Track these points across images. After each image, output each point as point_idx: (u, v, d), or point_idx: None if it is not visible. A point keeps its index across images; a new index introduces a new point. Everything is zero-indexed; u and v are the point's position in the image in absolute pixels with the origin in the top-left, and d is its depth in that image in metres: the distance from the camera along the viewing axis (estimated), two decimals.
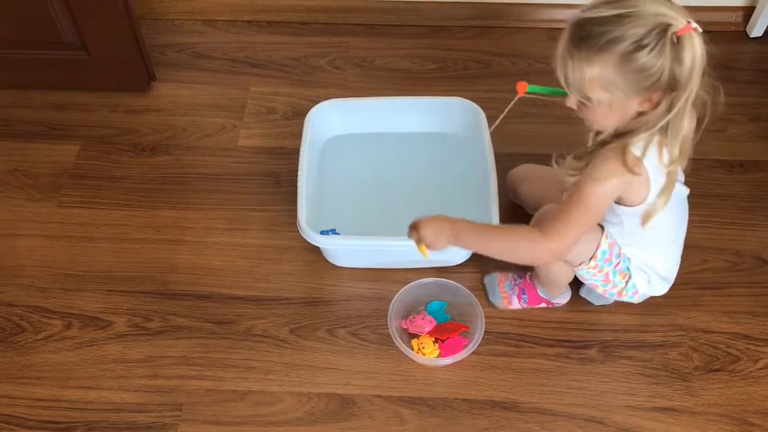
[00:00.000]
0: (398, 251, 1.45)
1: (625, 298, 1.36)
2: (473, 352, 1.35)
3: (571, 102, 1.11)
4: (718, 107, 1.08)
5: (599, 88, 1.04)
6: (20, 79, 1.83)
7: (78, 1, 1.64)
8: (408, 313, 1.42)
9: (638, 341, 1.41)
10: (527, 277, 1.44)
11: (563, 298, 1.44)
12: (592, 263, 1.26)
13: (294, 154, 1.56)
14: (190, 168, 1.70)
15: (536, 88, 1.24)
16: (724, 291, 1.48)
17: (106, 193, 1.65)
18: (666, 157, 1.10)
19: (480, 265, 1.50)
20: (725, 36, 1.96)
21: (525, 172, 1.54)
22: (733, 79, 1.87)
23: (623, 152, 1.09)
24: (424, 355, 1.36)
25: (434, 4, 1.97)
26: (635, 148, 1.09)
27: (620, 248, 1.27)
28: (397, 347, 1.36)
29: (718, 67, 1.91)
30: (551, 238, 1.14)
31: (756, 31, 1.94)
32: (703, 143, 1.72)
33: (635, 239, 1.25)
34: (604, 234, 1.24)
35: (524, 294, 1.44)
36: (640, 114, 1.08)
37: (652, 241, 1.27)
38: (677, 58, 0.99)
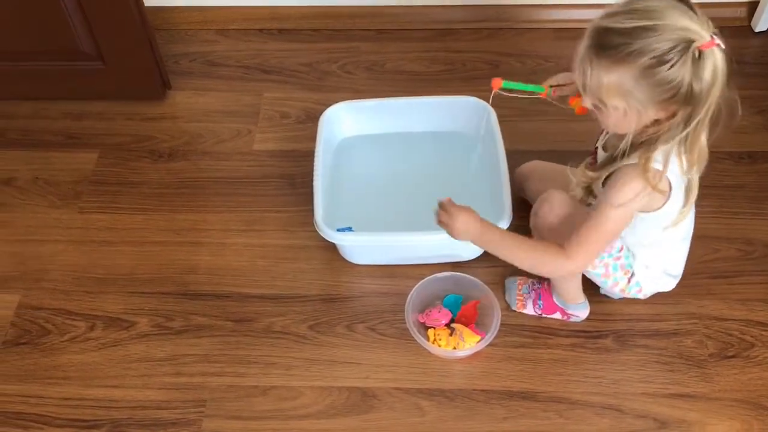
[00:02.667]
0: (413, 247, 1.48)
1: (629, 296, 1.37)
2: (490, 344, 1.37)
3: (587, 102, 1.10)
4: (735, 119, 1.08)
5: (616, 96, 1.04)
6: (39, 89, 1.87)
7: (95, 12, 1.68)
8: (425, 307, 1.44)
9: (653, 330, 1.43)
10: (546, 284, 1.45)
11: (580, 310, 1.43)
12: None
13: (308, 156, 1.59)
14: (207, 172, 1.73)
15: (512, 84, 1.26)
16: (736, 279, 1.50)
17: (125, 198, 1.69)
18: (686, 165, 1.11)
19: (496, 260, 1.50)
20: (730, 31, 1.95)
21: (532, 169, 1.57)
22: (739, 72, 1.89)
23: (644, 169, 1.09)
24: (440, 346, 1.38)
25: (442, 7, 2.01)
26: (656, 162, 1.09)
27: (623, 243, 1.28)
28: (415, 341, 1.38)
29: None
30: (573, 259, 1.18)
31: (761, 26, 1.96)
32: (712, 135, 1.76)
33: (648, 240, 1.27)
34: None
35: (540, 300, 1.45)
36: (656, 122, 1.07)
37: (665, 241, 1.28)
38: (697, 74, 0.99)
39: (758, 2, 1.95)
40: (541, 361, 1.40)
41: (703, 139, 1.09)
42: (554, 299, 1.43)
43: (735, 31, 1.98)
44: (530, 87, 1.26)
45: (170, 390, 1.38)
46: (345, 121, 1.71)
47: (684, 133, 1.05)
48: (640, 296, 1.39)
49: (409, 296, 1.41)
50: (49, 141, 1.81)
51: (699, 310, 1.45)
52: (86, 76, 1.82)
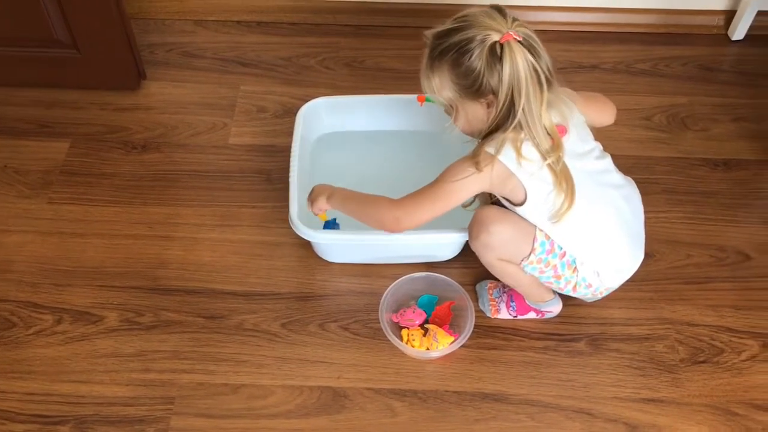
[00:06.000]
0: (388, 246, 1.47)
1: (581, 293, 1.36)
2: (463, 345, 1.37)
3: (443, 108, 1.27)
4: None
5: (445, 92, 1.21)
6: (10, 76, 1.82)
7: None
8: (399, 307, 1.44)
9: (625, 334, 1.44)
10: None
11: (553, 306, 1.44)
12: (533, 257, 1.28)
13: (284, 151, 1.58)
14: (181, 165, 1.70)
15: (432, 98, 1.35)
16: (708, 285, 1.51)
17: (96, 189, 1.65)
18: (533, 153, 1.18)
19: (471, 261, 1.52)
20: (708, 39, 2.00)
21: None
22: (715, 80, 1.91)
23: (477, 153, 1.21)
24: (413, 346, 1.37)
25: (423, 5, 2.00)
26: (489, 147, 1.20)
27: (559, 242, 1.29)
28: (389, 341, 1.37)
29: (701, 69, 1.97)
30: (400, 208, 1.27)
31: (737, 35, 1.98)
32: (688, 142, 1.79)
33: (560, 237, 1.27)
34: (537, 228, 1.27)
35: (512, 302, 1.45)
36: (489, 117, 1.21)
37: (587, 236, 1.29)
38: (494, 65, 1.13)
39: (735, 11, 1.97)
40: (513, 364, 1.40)
41: (547, 125, 1.18)
42: (526, 299, 1.43)
43: (712, 40, 2.00)
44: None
45: (138, 386, 1.36)
46: (323, 117, 1.69)
47: (515, 121, 1.16)
48: (592, 293, 1.37)
49: (384, 296, 1.41)
50: (20, 129, 1.77)
51: (671, 315, 1.46)
52: (59, 64, 1.78)
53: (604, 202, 1.30)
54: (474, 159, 1.21)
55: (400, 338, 1.39)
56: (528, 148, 1.18)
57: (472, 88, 1.17)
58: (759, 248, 1.57)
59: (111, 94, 1.84)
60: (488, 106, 1.20)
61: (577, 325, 1.45)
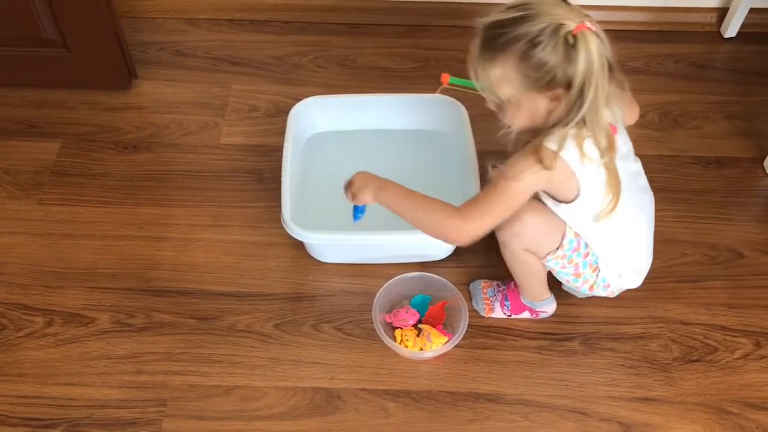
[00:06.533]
0: (381, 246, 1.47)
1: (597, 293, 1.37)
2: (457, 345, 1.37)
3: (490, 104, 1.17)
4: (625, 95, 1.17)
5: (506, 87, 1.11)
6: None
7: None
8: (392, 307, 1.43)
9: (619, 333, 1.44)
10: (512, 284, 1.45)
11: (547, 306, 1.43)
12: (560, 253, 1.27)
13: (277, 151, 1.57)
14: (172, 165, 1.69)
15: (458, 80, 1.30)
16: (701, 284, 1.51)
17: (87, 190, 1.64)
18: (593, 151, 1.13)
19: (465, 260, 1.52)
20: (700, 36, 2.00)
21: None
22: (708, 78, 1.91)
23: (536, 148, 1.13)
24: (407, 347, 1.37)
25: (415, 3, 1.99)
26: (550, 143, 1.12)
27: (586, 240, 1.28)
28: (382, 341, 1.37)
29: (693, 67, 1.97)
30: (464, 218, 1.18)
31: (729, 32, 1.98)
32: (680, 140, 1.79)
33: (593, 236, 1.27)
34: (567, 225, 1.25)
35: (507, 301, 1.44)
36: (551, 112, 1.13)
37: (617, 237, 1.28)
38: (569, 56, 1.05)
39: (728, 8, 1.97)
40: (507, 363, 1.39)
41: (605, 122, 1.12)
42: (522, 299, 1.43)
43: (705, 37, 2.00)
44: (473, 83, 1.27)
45: (130, 389, 1.35)
46: (315, 117, 1.68)
47: (579, 116, 1.08)
48: (608, 294, 1.39)
49: (377, 296, 1.40)
50: (10, 129, 1.75)
51: (664, 313, 1.46)
52: (49, 63, 1.77)
53: (638, 206, 1.30)
54: (536, 155, 1.12)
55: (394, 339, 1.38)
56: (589, 146, 1.13)
57: (542, 81, 1.08)
58: (752, 246, 1.57)
59: (102, 94, 1.82)
60: (553, 99, 1.11)
61: (571, 324, 1.45)
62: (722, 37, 2.00)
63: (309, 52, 1.95)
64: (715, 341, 1.43)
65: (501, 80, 1.10)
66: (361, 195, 1.27)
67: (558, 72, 1.06)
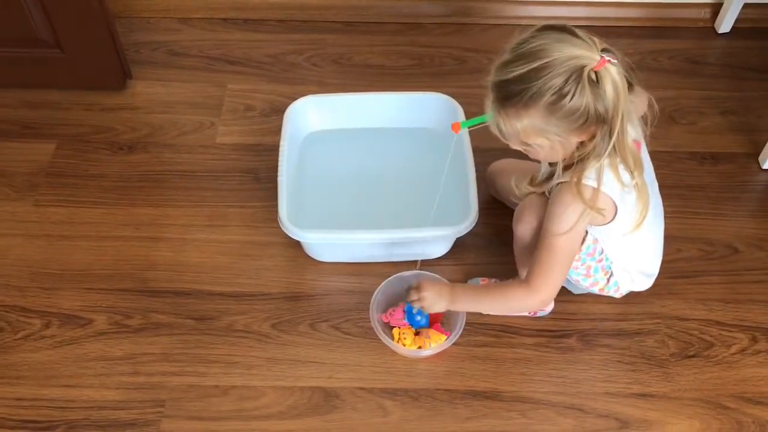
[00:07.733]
0: (378, 245, 1.47)
1: (605, 294, 1.39)
2: (454, 343, 1.37)
3: (514, 146, 1.15)
4: (653, 111, 1.18)
5: (534, 136, 1.08)
6: None
7: None
8: (389, 306, 1.43)
9: (616, 329, 1.44)
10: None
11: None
12: (575, 256, 1.27)
13: (273, 150, 1.57)
14: (168, 165, 1.69)
15: (469, 122, 1.28)
16: (697, 279, 1.52)
17: (83, 191, 1.64)
18: (626, 176, 1.12)
19: (462, 258, 1.52)
20: (694, 32, 2.00)
21: (503, 167, 1.56)
22: (702, 73, 1.91)
23: (578, 190, 1.11)
24: (404, 345, 1.37)
25: (410, 1, 1.99)
26: (588, 180, 1.11)
27: (602, 246, 1.29)
28: (379, 340, 1.37)
29: (688, 63, 1.97)
30: (538, 291, 1.22)
31: (723, 27, 1.98)
32: (675, 136, 1.79)
33: (616, 246, 1.27)
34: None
35: None
36: (582, 144, 1.11)
37: (634, 245, 1.29)
38: (598, 94, 1.03)
39: (722, 4, 1.97)
40: (504, 361, 1.40)
41: (630, 141, 1.11)
42: None
43: (699, 32, 2.00)
44: (482, 118, 1.25)
45: (128, 390, 1.35)
46: (311, 116, 1.68)
47: (610, 146, 1.07)
48: (616, 295, 1.40)
49: (374, 295, 1.40)
50: (4, 130, 1.75)
51: (661, 309, 1.47)
52: (43, 64, 1.76)
53: (658, 213, 1.30)
54: (579, 197, 1.11)
55: (392, 337, 1.38)
56: (622, 172, 1.12)
57: (575, 124, 1.05)
58: (747, 241, 1.57)
59: (96, 94, 1.82)
60: (588, 136, 1.09)
61: (568, 321, 1.45)
62: (716, 32, 2.00)
63: (304, 51, 1.94)
64: (711, 336, 1.43)
65: (530, 131, 1.08)
66: (435, 308, 1.30)
67: (590, 111, 1.04)
